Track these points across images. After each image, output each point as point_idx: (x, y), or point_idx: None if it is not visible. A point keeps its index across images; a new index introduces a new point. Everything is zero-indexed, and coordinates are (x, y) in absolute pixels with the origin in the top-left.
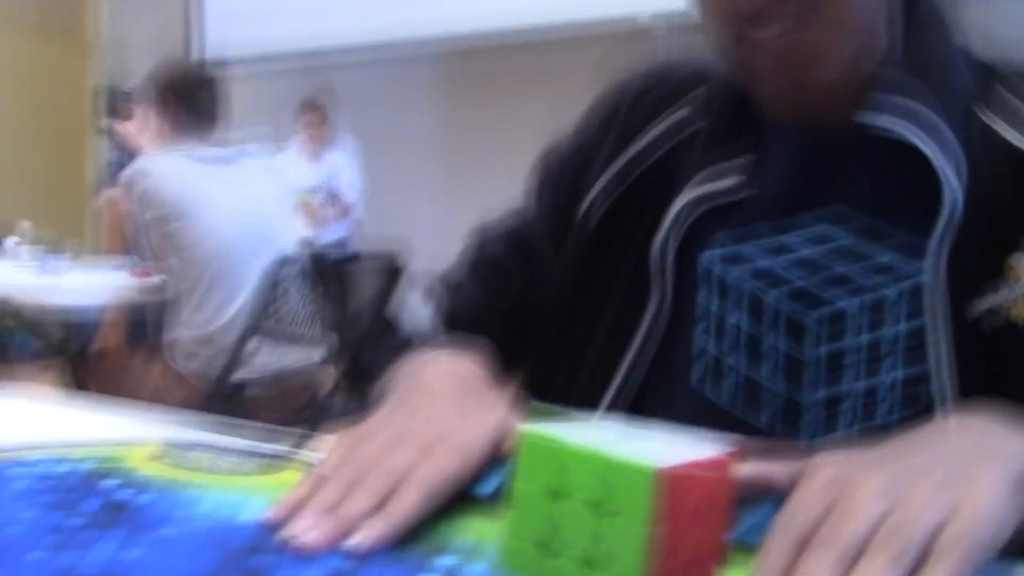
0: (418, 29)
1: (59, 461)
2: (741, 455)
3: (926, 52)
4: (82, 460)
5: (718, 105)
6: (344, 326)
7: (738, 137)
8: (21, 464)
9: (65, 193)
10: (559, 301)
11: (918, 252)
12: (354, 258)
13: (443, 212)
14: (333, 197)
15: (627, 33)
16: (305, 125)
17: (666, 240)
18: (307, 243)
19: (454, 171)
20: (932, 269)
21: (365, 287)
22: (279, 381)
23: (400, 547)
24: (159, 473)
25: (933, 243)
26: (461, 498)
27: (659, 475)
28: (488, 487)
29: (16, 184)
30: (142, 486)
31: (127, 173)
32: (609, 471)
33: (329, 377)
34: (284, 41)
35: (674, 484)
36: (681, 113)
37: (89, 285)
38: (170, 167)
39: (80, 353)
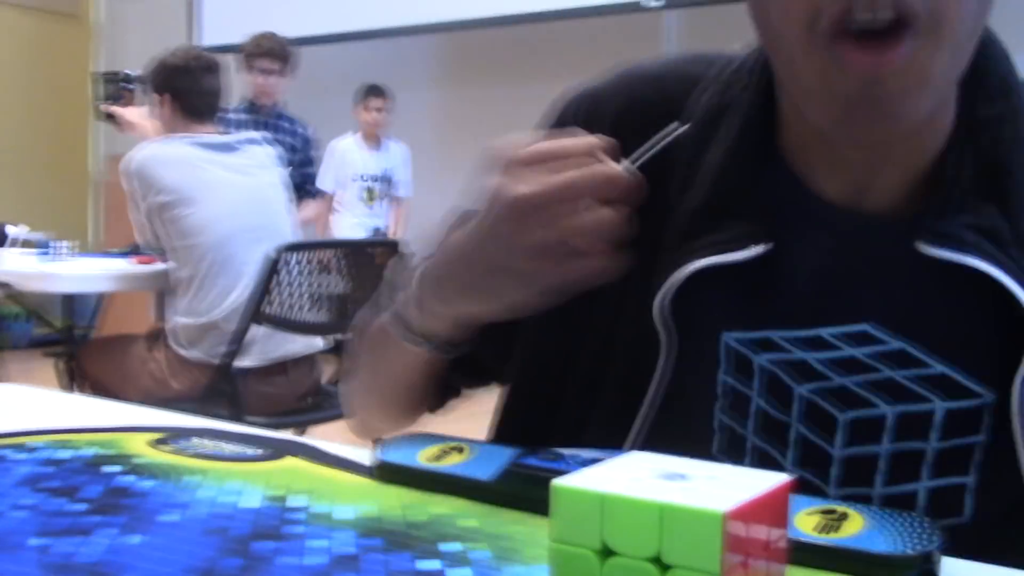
0: (420, 15)
1: (61, 447)
2: (793, 486)
3: (1000, 134)
4: (84, 446)
5: (736, 143)
6: (347, 313)
7: (759, 192)
8: (24, 450)
9: (67, 178)
10: (540, 345)
11: (981, 370)
12: (357, 245)
13: (441, 195)
14: (390, 186)
15: (633, 15)
16: (367, 109)
17: (666, 303)
18: (376, 232)
19: (453, 154)
20: (1018, 394)
21: (368, 274)
22: (280, 368)
23: (405, 532)
24: (161, 459)
25: (1020, 377)
26: (465, 485)
27: (725, 518)
28: (489, 471)
29: (17, 168)
30: (144, 472)
31: (130, 161)
32: (667, 520)
33: (331, 364)
34: (284, 28)
35: (740, 525)
36: (673, 129)
37: (91, 271)
38: (174, 154)
39: (83, 339)
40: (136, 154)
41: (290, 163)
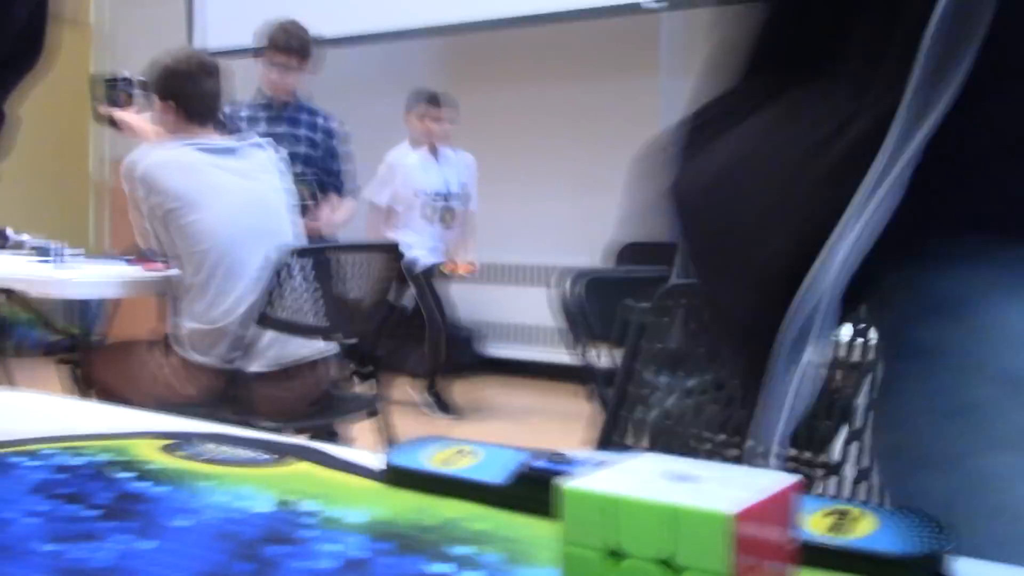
0: (419, 18)
1: (73, 454)
2: (801, 486)
3: None
4: (96, 452)
5: None
6: (353, 317)
7: None
8: (36, 457)
9: (68, 182)
10: None
11: None
12: (360, 248)
13: None
14: (458, 202)
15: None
16: (427, 119)
17: None
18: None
19: None
20: None
21: (371, 278)
22: (291, 373)
23: (418, 535)
24: (173, 465)
25: None
26: (477, 488)
27: (734, 520)
28: (500, 474)
29: (18, 172)
30: (157, 478)
31: (133, 165)
32: (677, 522)
33: (340, 368)
34: None
35: (750, 527)
36: None
37: (99, 277)
38: (177, 159)
39: (92, 344)
40: (139, 159)
41: (310, 159)
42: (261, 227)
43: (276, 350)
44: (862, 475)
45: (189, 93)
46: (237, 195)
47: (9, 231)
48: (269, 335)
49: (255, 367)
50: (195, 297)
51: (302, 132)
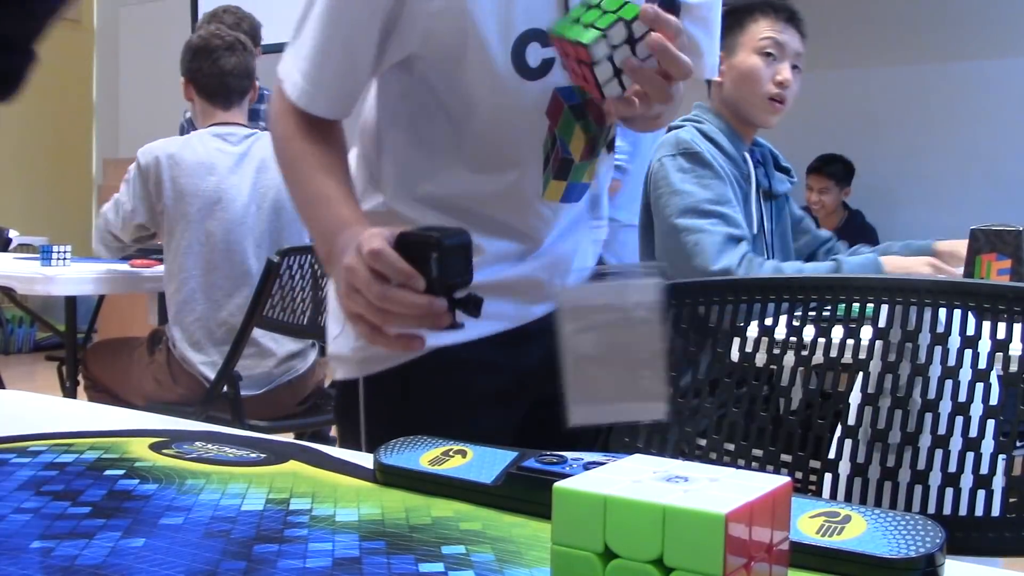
0: None
1: (64, 451)
2: (792, 487)
3: None
4: (86, 450)
5: None
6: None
7: None
8: (26, 454)
9: (69, 182)
10: None
11: None
12: None
13: None
14: None
15: None
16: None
17: None
18: None
19: None
20: None
21: None
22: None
23: (407, 535)
24: (162, 463)
25: None
26: (467, 488)
27: (724, 520)
28: (491, 475)
29: (19, 173)
30: (146, 476)
31: (142, 161)
32: (666, 522)
33: (330, 368)
34: (285, 31)
35: (740, 527)
36: None
37: (92, 275)
38: (185, 155)
39: (84, 342)
40: (147, 156)
41: None
42: (265, 225)
43: (263, 372)
44: (856, 471)
45: (205, 71)
46: (241, 194)
47: (12, 233)
48: (248, 362)
49: (245, 391)
50: (185, 295)
51: None
